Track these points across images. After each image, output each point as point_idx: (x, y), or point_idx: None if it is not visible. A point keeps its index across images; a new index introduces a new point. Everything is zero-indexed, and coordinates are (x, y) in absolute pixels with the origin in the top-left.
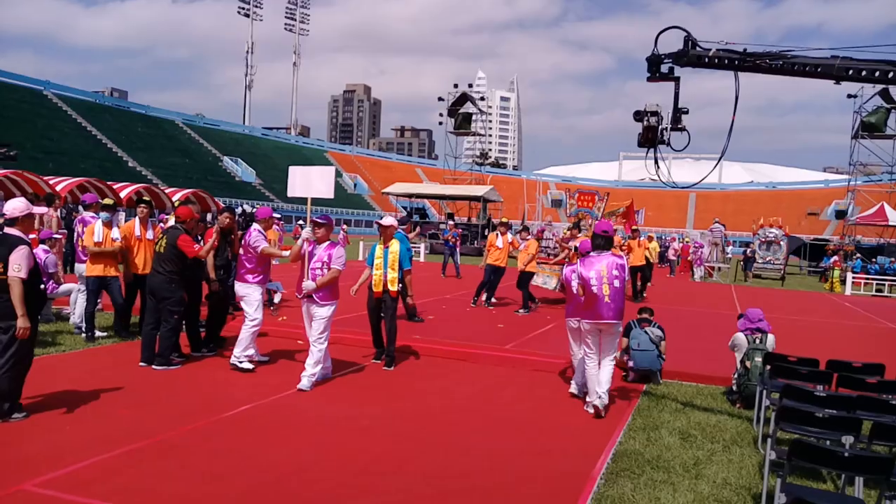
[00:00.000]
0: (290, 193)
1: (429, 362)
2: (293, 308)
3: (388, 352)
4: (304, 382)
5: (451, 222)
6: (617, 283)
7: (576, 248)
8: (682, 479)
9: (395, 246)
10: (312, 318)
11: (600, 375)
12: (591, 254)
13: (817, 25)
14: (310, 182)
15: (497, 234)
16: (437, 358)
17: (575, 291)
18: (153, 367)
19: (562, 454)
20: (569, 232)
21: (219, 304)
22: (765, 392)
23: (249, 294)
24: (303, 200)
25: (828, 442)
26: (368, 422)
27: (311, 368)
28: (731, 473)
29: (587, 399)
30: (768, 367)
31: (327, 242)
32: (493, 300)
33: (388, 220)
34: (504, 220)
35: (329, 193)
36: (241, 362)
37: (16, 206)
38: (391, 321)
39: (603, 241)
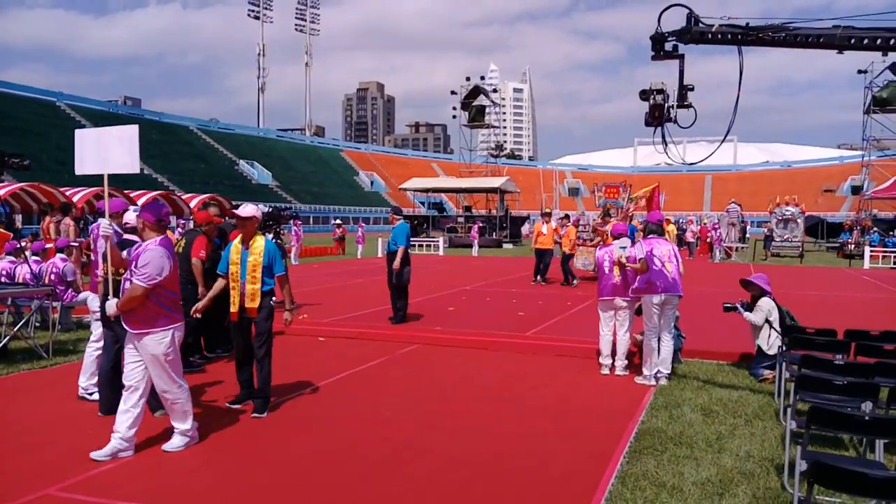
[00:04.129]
0: (79, 170)
1: (450, 352)
2: (313, 306)
3: (258, 392)
4: (175, 441)
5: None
6: (675, 260)
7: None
8: (705, 454)
9: (257, 245)
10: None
11: (662, 353)
12: (650, 237)
13: (826, 4)
14: (106, 152)
15: (542, 223)
16: (458, 348)
17: (607, 271)
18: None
19: (585, 435)
20: (601, 220)
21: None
22: (784, 364)
23: None
24: (311, 192)
25: (848, 409)
26: (391, 412)
27: (180, 423)
28: (753, 446)
29: (644, 372)
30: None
31: (150, 240)
32: (545, 279)
33: (249, 210)
34: (548, 209)
35: (132, 166)
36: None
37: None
38: (261, 350)
39: (656, 228)
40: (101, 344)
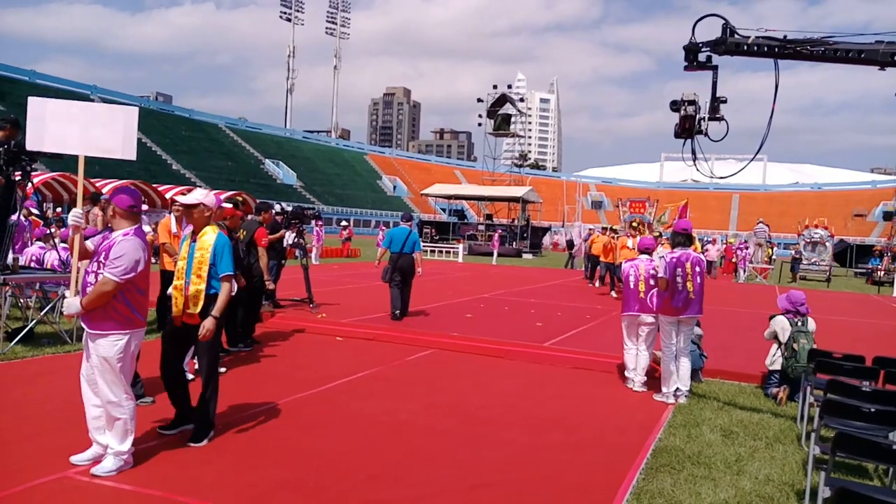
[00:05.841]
0: (34, 145)
1: (465, 359)
2: (332, 306)
3: (197, 415)
4: (107, 463)
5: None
6: (699, 280)
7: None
8: (724, 475)
9: (206, 239)
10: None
11: (680, 372)
12: (675, 251)
13: (865, 24)
14: (88, 132)
15: (628, 236)
16: (473, 355)
17: (632, 286)
18: (194, 361)
19: (600, 449)
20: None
21: (254, 302)
22: (809, 388)
23: None
24: (346, 199)
25: (875, 437)
26: (406, 416)
27: (117, 443)
28: (773, 470)
29: (662, 390)
30: (811, 364)
31: (122, 230)
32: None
33: (194, 196)
34: (635, 223)
35: (124, 152)
36: None
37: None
38: (204, 361)
39: (683, 239)
40: None
